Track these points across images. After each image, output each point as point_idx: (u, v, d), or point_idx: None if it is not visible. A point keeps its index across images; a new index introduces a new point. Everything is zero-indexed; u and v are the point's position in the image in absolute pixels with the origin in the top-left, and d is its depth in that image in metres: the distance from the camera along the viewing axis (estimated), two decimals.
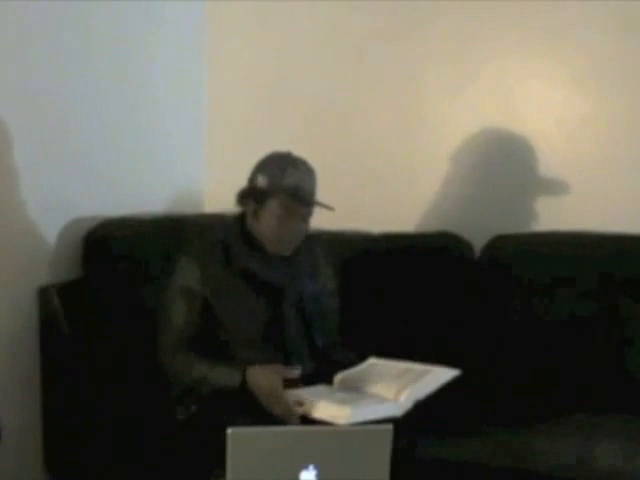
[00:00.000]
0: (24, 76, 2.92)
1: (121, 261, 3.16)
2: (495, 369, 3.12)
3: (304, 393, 2.56)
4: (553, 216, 3.37)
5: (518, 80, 3.44)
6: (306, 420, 2.42)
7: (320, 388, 2.63)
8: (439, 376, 2.62)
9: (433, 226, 3.38)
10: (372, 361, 2.79)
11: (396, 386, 2.56)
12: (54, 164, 3.05)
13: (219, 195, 3.71)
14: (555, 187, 3.40)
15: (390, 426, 2.10)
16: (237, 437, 2.01)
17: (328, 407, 2.46)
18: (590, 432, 2.79)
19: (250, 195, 2.68)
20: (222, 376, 2.55)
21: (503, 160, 3.48)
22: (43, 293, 2.99)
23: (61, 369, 2.98)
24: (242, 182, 3.47)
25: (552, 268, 3.18)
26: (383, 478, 2.05)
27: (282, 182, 2.61)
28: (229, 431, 2.00)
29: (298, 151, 3.66)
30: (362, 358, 2.71)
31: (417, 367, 2.68)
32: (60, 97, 3.06)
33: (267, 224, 2.65)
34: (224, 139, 3.77)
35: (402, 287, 3.27)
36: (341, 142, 3.64)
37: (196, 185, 3.75)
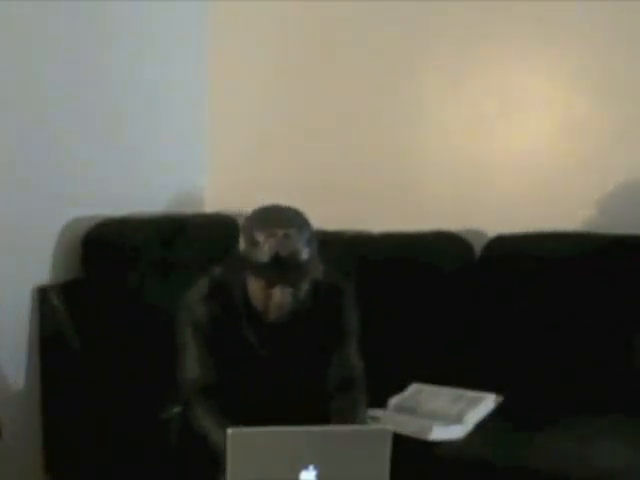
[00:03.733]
0: (24, 76, 2.92)
1: (121, 261, 3.16)
2: (495, 369, 3.12)
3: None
4: (553, 216, 3.37)
5: (518, 80, 3.44)
6: None
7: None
8: (489, 403, 2.90)
9: (433, 226, 3.38)
10: (417, 386, 3.01)
11: (457, 410, 2.83)
12: (54, 164, 3.05)
13: (219, 195, 3.72)
14: (555, 187, 3.40)
15: (390, 427, 2.10)
16: (237, 437, 2.01)
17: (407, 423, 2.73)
18: (590, 432, 2.79)
19: (235, 260, 2.53)
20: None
21: (503, 160, 3.48)
22: (43, 293, 2.99)
23: (61, 369, 2.98)
24: (242, 182, 3.48)
25: (552, 268, 3.18)
26: (383, 478, 2.05)
27: (256, 256, 2.41)
28: (229, 431, 2.01)
29: (298, 151, 3.69)
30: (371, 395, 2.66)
31: (466, 392, 2.94)
32: (60, 97, 3.06)
33: (253, 294, 2.49)
34: (224, 139, 3.77)
35: (402, 287, 3.26)
36: (341, 142, 3.64)
37: (196, 185, 3.75)
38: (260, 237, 2.41)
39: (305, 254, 2.42)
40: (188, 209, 3.58)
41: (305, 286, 2.49)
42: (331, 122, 3.66)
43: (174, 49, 3.60)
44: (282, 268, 2.40)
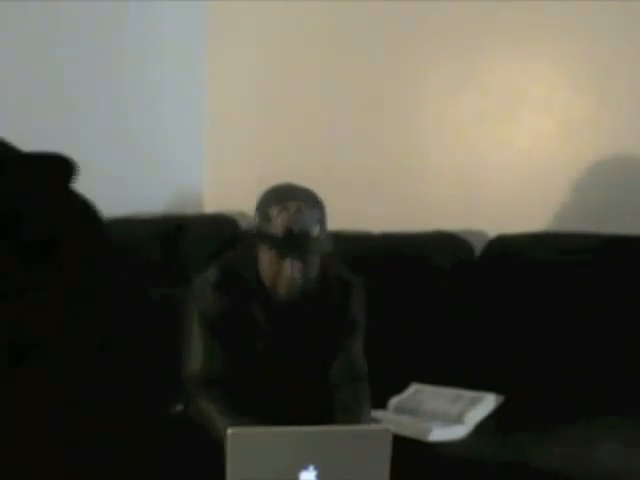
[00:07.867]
0: (23, 76, 2.92)
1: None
2: (495, 369, 3.12)
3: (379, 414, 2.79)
4: (553, 216, 3.37)
5: (518, 80, 3.44)
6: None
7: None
8: (489, 403, 2.91)
9: (433, 226, 3.38)
10: (416, 387, 3.02)
11: (457, 410, 2.84)
12: None
13: (219, 195, 3.73)
14: (555, 187, 3.40)
15: (390, 426, 2.10)
16: (237, 437, 2.01)
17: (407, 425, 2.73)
18: (590, 433, 2.78)
19: (248, 236, 2.63)
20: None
21: (503, 160, 3.48)
22: None
23: None
24: (242, 182, 3.47)
25: (552, 268, 3.18)
26: (383, 478, 2.05)
27: (269, 230, 2.48)
28: (229, 431, 2.01)
29: (298, 150, 3.69)
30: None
31: (466, 393, 2.96)
32: (59, 97, 3.06)
33: (263, 268, 2.54)
34: (224, 139, 3.78)
35: (402, 287, 3.26)
36: (341, 142, 3.65)
37: (196, 185, 3.75)
38: (273, 211, 2.47)
39: (316, 231, 2.49)
40: (188, 209, 3.58)
41: (315, 263, 2.54)
42: (331, 123, 3.66)
43: (173, 50, 3.60)
44: (293, 242, 2.46)
